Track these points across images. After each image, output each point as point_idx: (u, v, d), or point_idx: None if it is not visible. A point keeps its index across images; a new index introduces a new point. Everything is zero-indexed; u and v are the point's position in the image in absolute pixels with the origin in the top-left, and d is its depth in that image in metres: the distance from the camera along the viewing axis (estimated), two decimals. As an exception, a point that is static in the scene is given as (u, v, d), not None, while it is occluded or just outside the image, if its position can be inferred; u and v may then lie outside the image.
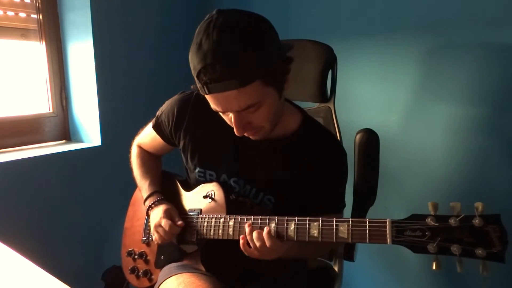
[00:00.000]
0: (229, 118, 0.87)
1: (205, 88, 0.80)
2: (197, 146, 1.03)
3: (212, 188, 1.00)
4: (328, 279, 1.16)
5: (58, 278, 0.74)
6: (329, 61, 1.19)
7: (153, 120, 1.13)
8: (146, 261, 1.13)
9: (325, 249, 1.13)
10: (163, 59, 1.90)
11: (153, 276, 1.10)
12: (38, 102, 1.67)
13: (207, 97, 0.84)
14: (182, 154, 1.08)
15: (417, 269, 1.59)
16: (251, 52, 0.78)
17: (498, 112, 1.35)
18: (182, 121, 1.03)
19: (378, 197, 1.13)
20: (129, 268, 1.15)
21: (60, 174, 1.55)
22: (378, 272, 1.72)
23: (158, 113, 1.11)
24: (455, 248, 0.67)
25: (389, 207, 1.60)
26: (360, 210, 1.12)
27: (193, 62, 0.80)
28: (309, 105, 1.28)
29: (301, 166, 0.96)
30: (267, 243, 0.83)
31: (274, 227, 0.85)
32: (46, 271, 0.77)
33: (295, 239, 0.83)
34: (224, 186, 0.99)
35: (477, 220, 0.66)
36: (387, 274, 1.70)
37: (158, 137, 1.12)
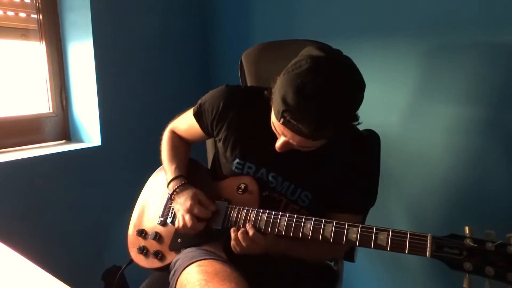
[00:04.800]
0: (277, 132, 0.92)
1: (281, 120, 0.84)
2: (240, 138, 1.05)
3: (245, 181, 1.01)
4: (328, 280, 1.15)
5: (58, 278, 0.74)
6: (330, 61, 1.19)
7: (195, 107, 1.14)
8: (160, 242, 1.11)
9: (331, 253, 1.14)
10: (163, 59, 1.90)
11: (164, 257, 1.09)
12: (38, 102, 1.67)
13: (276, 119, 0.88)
14: (220, 145, 1.10)
15: (417, 269, 1.59)
16: (341, 122, 0.85)
17: (498, 112, 1.35)
18: (227, 113, 1.05)
19: (379, 197, 1.13)
20: (138, 247, 1.14)
21: (60, 174, 1.55)
22: (378, 272, 1.71)
23: (200, 101, 1.13)
24: (489, 270, 0.72)
25: (389, 207, 1.60)
26: (360, 210, 1.12)
27: (287, 96, 0.82)
28: (309, 105, 1.28)
29: (337, 164, 1.00)
30: (250, 233, 0.91)
31: (309, 227, 0.87)
32: (46, 271, 0.76)
33: (331, 241, 0.85)
34: (259, 181, 1.01)
35: (511, 248, 0.72)
36: (387, 274, 1.70)
37: (196, 124, 1.14)
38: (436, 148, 1.48)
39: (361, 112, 1.55)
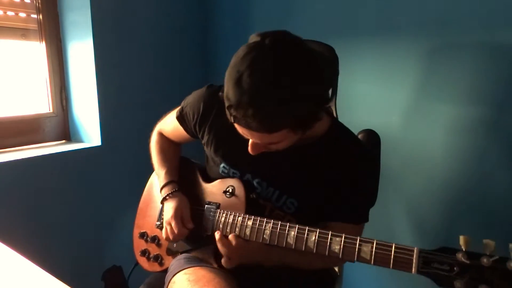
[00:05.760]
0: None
1: (232, 119, 0.80)
2: (221, 143, 1.03)
3: (233, 183, 0.99)
4: (328, 280, 1.15)
5: (58, 278, 0.74)
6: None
7: (177, 110, 1.11)
8: (159, 245, 1.12)
9: (326, 263, 1.07)
10: (163, 59, 1.90)
11: (163, 261, 1.10)
12: (38, 102, 1.67)
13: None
14: (205, 148, 1.08)
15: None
16: (289, 107, 0.76)
17: (498, 112, 1.35)
18: (208, 116, 1.02)
19: (378, 197, 1.13)
20: (140, 250, 1.15)
21: (60, 174, 1.55)
22: (379, 272, 1.71)
23: (183, 104, 1.10)
24: None
25: (388, 207, 1.60)
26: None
27: (229, 91, 0.78)
28: (310, 105, 1.28)
29: (327, 171, 0.95)
30: (233, 242, 0.90)
31: (293, 235, 0.84)
32: (46, 271, 0.76)
33: (314, 251, 0.82)
34: (246, 183, 0.98)
35: (511, 264, 0.63)
36: (387, 274, 1.70)
37: (180, 127, 1.12)
38: (436, 148, 1.48)
39: (362, 112, 1.54)
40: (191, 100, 1.07)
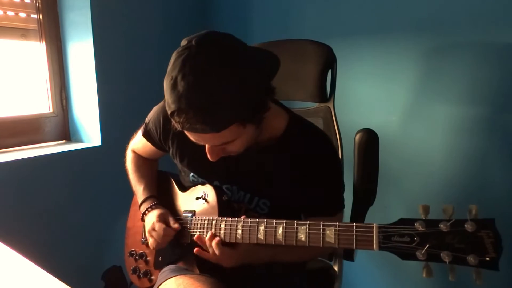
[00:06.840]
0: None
1: (179, 126, 0.79)
2: (185, 153, 1.03)
3: (204, 189, 1.00)
4: (328, 279, 1.16)
5: (58, 278, 0.74)
6: (329, 61, 1.20)
7: (142, 127, 1.12)
8: (146, 262, 1.13)
9: (314, 253, 1.06)
10: (163, 59, 1.88)
11: (152, 277, 1.11)
12: (38, 102, 1.67)
13: None
14: (173, 160, 1.09)
15: (417, 268, 1.59)
16: (228, 101, 0.75)
17: (498, 112, 1.35)
18: (169, 128, 1.00)
19: (378, 197, 1.13)
20: (131, 268, 1.16)
21: (60, 174, 1.55)
22: (378, 272, 1.72)
23: (146, 120, 1.10)
24: (445, 255, 0.63)
25: (388, 207, 1.60)
26: (359, 210, 1.12)
27: (167, 98, 0.78)
28: (309, 105, 1.28)
29: (292, 168, 0.94)
30: (216, 252, 0.88)
31: (263, 229, 0.84)
32: (46, 271, 0.77)
33: (284, 243, 0.82)
34: (217, 187, 0.99)
35: (469, 225, 0.62)
36: (387, 273, 1.70)
37: (149, 144, 1.12)
38: (436, 148, 1.48)
39: (361, 111, 1.53)
40: (152, 115, 1.08)
